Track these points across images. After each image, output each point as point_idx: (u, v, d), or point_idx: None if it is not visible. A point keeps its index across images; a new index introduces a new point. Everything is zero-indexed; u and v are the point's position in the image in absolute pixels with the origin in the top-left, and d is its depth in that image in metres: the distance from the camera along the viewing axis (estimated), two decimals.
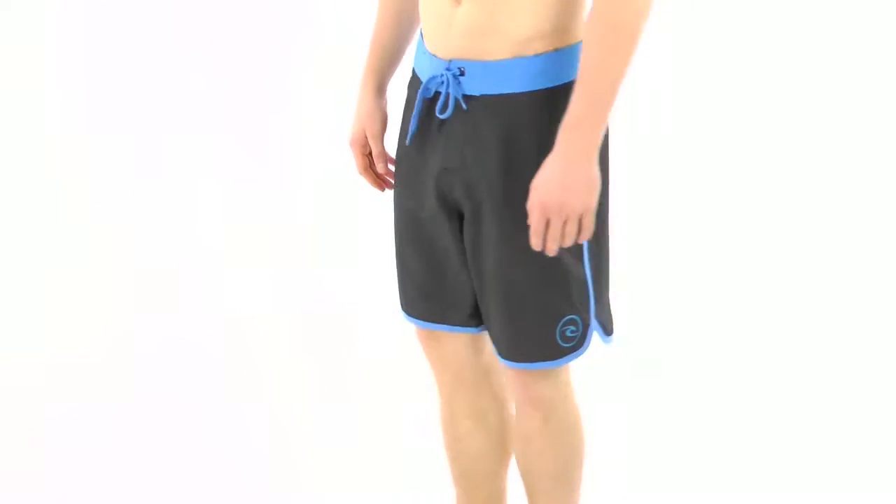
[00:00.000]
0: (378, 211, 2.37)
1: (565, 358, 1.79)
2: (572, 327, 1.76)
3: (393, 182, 1.86)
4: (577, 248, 1.71)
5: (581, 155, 1.58)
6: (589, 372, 2.31)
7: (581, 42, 1.61)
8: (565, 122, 1.58)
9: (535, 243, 1.62)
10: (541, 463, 1.91)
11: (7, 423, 2.72)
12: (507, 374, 1.88)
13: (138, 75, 3.02)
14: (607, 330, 1.82)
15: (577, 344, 1.78)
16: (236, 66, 3.08)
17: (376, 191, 1.93)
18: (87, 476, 2.58)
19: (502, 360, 1.81)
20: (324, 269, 3.02)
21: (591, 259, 1.74)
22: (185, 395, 2.85)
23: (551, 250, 1.63)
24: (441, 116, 1.70)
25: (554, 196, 1.58)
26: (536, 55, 1.63)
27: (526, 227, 1.64)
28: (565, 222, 1.60)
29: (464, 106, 1.68)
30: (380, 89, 1.86)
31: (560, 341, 1.77)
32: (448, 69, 1.68)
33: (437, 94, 1.71)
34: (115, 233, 3.07)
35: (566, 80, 1.64)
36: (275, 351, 2.96)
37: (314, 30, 3.11)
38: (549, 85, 1.64)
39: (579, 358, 1.82)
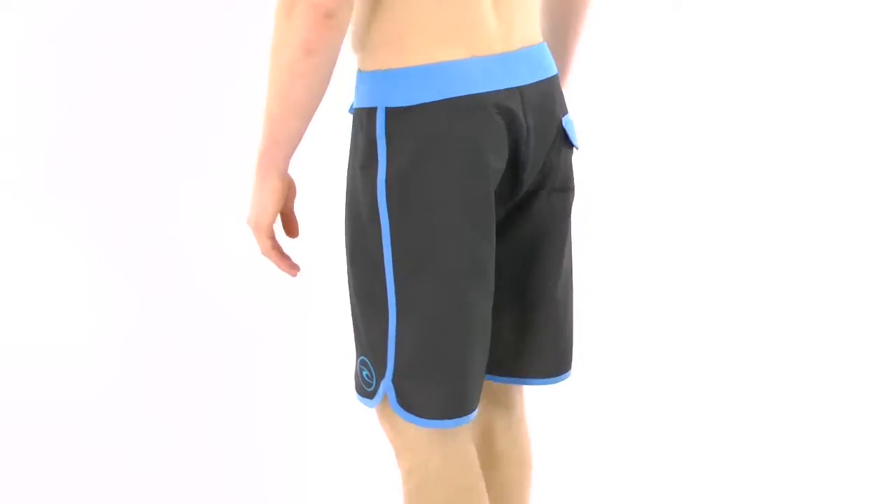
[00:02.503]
0: None
1: (361, 398, 1.66)
2: (366, 371, 1.64)
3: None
4: (378, 293, 1.59)
5: (256, 172, 1.57)
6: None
7: (381, 70, 1.57)
8: None
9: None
10: None
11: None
12: None
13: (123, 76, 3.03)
14: (414, 410, 1.61)
15: (370, 392, 1.64)
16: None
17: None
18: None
19: None
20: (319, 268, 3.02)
21: (399, 321, 1.59)
22: (187, 392, 2.85)
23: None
24: None
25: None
26: (358, 72, 1.60)
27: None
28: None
29: None
30: None
31: (359, 377, 1.66)
32: None
33: None
34: (111, 229, 3.08)
35: (366, 105, 1.58)
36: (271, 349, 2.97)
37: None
38: (358, 106, 1.60)
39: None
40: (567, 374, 1.78)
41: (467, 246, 1.56)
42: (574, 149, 1.72)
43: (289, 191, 1.60)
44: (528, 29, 1.63)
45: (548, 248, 1.70)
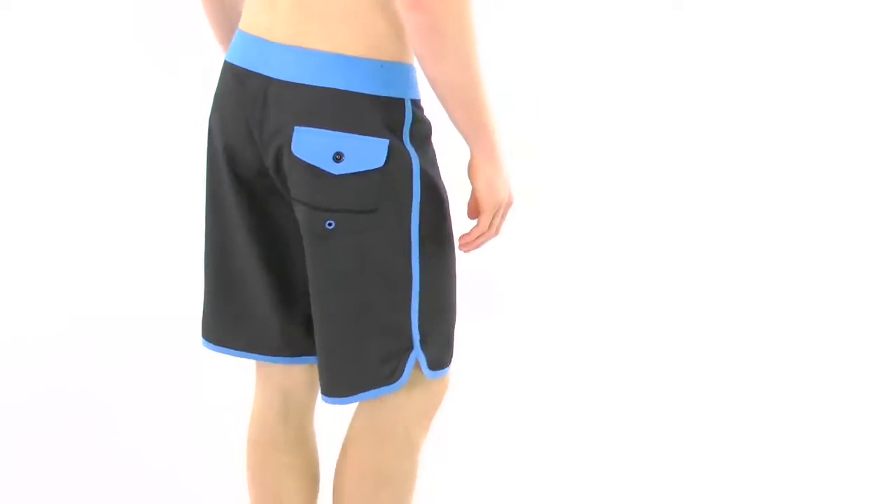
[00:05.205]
0: None
1: None
2: None
3: None
4: None
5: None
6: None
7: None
8: None
9: None
10: None
11: None
12: None
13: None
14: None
15: None
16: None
17: None
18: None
19: None
20: None
21: None
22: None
23: None
24: None
25: None
26: None
27: None
28: None
29: None
30: None
31: None
32: None
33: None
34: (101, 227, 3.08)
35: None
36: None
37: None
38: None
39: None
40: (336, 399, 1.68)
41: (208, 194, 1.77)
42: (322, 171, 1.58)
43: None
44: (305, 30, 1.58)
45: (307, 265, 1.66)
